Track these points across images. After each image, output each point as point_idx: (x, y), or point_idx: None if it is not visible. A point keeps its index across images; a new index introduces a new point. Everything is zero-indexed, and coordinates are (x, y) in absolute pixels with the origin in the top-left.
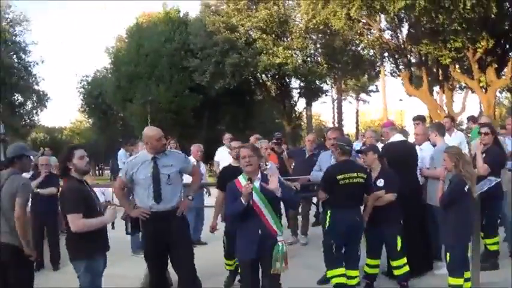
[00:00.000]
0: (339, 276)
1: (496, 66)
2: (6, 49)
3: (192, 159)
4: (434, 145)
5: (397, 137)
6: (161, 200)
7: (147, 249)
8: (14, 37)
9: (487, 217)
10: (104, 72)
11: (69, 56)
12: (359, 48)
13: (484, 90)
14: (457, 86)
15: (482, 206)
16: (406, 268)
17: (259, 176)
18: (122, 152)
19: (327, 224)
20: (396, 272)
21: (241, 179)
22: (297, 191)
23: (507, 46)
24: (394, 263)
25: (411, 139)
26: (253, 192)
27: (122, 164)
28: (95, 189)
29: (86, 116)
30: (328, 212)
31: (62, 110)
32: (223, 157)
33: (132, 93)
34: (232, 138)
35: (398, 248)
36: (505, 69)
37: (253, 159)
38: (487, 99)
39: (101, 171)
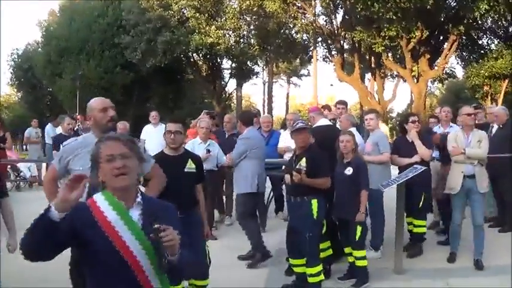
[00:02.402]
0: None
1: (429, 56)
2: None
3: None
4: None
5: (323, 122)
6: None
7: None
8: None
9: (425, 200)
10: (35, 45)
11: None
12: (292, 32)
13: (415, 80)
14: (389, 74)
15: (417, 189)
16: (330, 251)
17: (139, 199)
18: (49, 127)
19: (316, 214)
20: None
21: (102, 201)
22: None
23: (441, 37)
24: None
25: None
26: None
27: (50, 139)
28: (21, 164)
29: (15, 90)
30: (314, 201)
31: None
32: (149, 135)
33: (62, 68)
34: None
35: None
36: (438, 60)
37: (131, 162)
38: (418, 89)
39: (27, 146)
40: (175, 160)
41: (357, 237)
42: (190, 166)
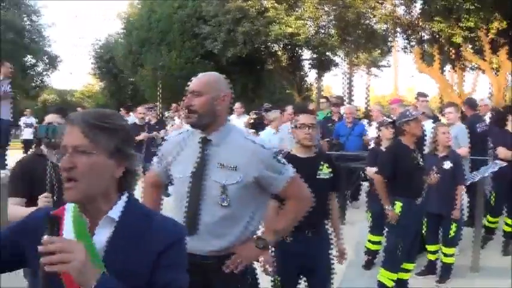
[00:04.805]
0: None
1: (508, 48)
2: (18, 11)
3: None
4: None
5: None
6: (196, 231)
7: None
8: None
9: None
10: (116, 36)
11: (82, 21)
12: (372, 23)
13: (495, 72)
14: (469, 66)
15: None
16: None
17: (112, 213)
18: (131, 118)
19: None
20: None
21: (69, 214)
22: None
23: None
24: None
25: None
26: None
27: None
28: None
29: (97, 80)
30: None
31: (74, 73)
32: None
33: (143, 59)
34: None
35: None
36: None
37: (86, 161)
38: (497, 82)
39: None
40: (306, 163)
41: (451, 234)
42: (325, 171)
